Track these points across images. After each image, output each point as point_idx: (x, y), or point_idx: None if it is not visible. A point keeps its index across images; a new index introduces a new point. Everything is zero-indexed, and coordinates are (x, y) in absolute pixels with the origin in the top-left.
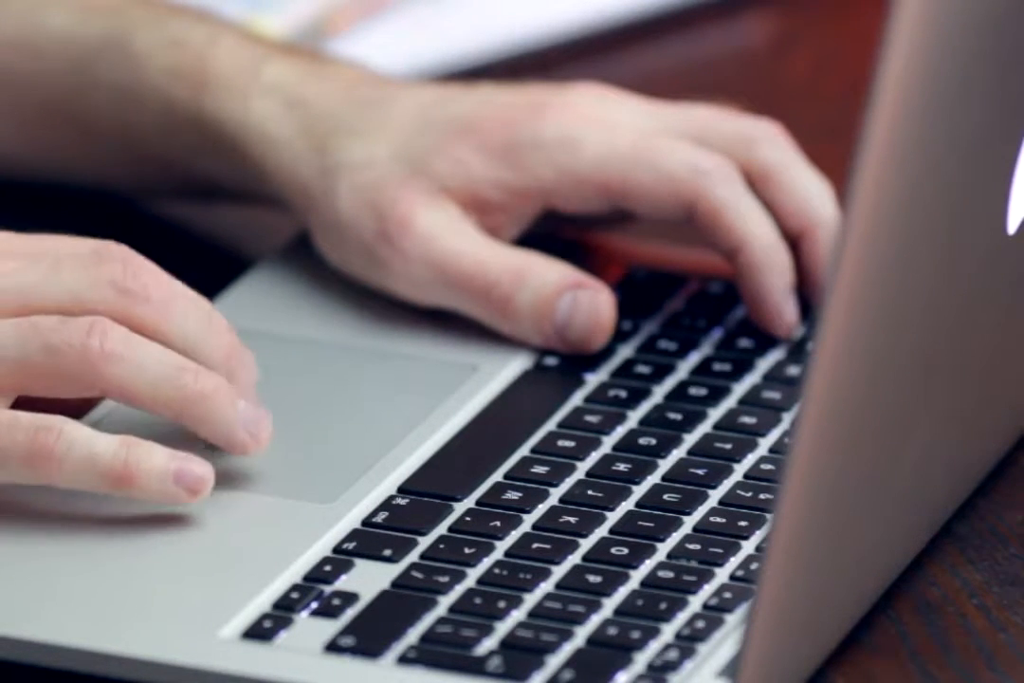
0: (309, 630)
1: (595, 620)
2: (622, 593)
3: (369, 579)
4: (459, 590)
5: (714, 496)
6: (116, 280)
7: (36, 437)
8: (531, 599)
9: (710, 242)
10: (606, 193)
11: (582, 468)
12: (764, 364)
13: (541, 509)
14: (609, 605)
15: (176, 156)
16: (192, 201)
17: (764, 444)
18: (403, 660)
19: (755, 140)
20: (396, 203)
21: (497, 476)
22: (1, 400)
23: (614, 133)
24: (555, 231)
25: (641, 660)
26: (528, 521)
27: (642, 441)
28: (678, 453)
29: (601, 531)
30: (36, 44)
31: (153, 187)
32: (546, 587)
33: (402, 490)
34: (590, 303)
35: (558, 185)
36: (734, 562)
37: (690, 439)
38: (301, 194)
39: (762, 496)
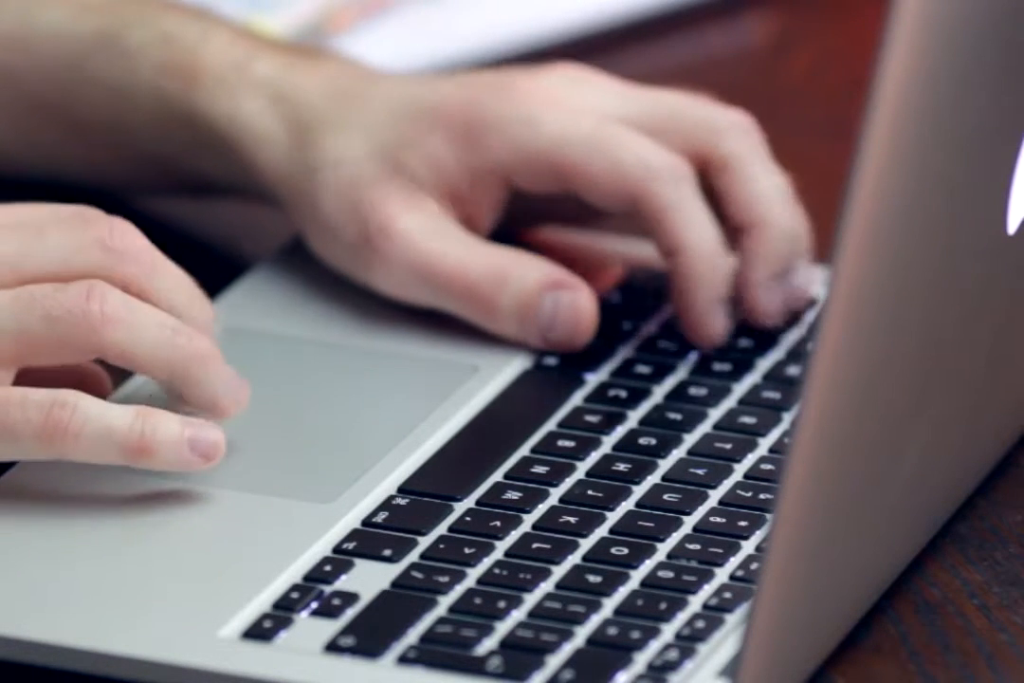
0: (309, 630)
1: (595, 620)
2: (622, 593)
3: (369, 579)
4: (459, 590)
5: (714, 496)
6: (103, 241)
7: (50, 413)
8: (531, 599)
9: (651, 239)
10: (558, 176)
11: (582, 468)
12: (764, 364)
13: (541, 509)
14: (609, 605)
15: (168, 152)
16: (185, 197)
17: (764, 444)
18: (403, 660)
19: (721, 130)
20: (376, 207)
21: (497, 476)
22: (4, 374)
23: (575, 116)
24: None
25: (641, 660)
26: (528, 521)
27: (642, 441)
28: (678, 453)
29: (601, 531)
30: (29, 41)
31: (146, 183)
32: (546, 587)
33: (402, 490)
34: (571, 305)
35: (515, 163)
36: (734, 562)
37: (690, 439)
38: (288, 191)
39: (762, 496)
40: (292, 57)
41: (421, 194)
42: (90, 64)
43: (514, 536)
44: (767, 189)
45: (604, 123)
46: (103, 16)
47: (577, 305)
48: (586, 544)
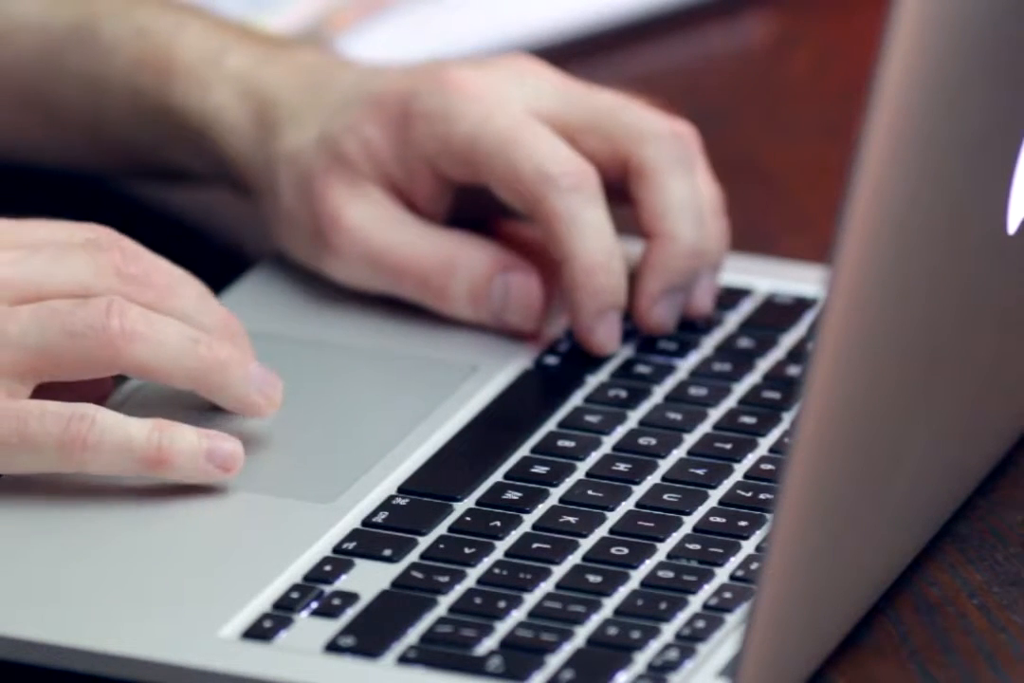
0: (309, 630)
1: (595, 620)
2: (622, 593)
3: (369, 579)
4: (459, 590)
5: (714, 496)
6: (118, 267)
7: (69, 427)
8: (531, 599)
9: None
10: (473, 171)
11: (582, 468)
12: (764, 364)
13: (541, 509)
14: (609, 605)
15: (144, 143)
16: (162, 184)
17: (764, 444)
18: (403, 660)
19: (644, 136)
20: (323, 198)
21: (497, 476)
22: (23, 388)
23: (492, 113)
24: None
25: (641, 660)
26: (528, 521)
27: (642, 441)
28: (678, 453)
29: (601, 531)
30: (6, 32)
31: (123, 171)
32: (546, 587)
33: (402, 490)
34: (521, 286)
35: (437, 156)
36: (734, 562)
37: (690, 439)
38: (255, 183)
39: (762, 496)
40: (265, 49)
41: (366, 183)
42: (65, 57)
43: (514, 536)
44: (678, 201)
45: (519, 123)
46: (78, 8)
47: (527, 286)
48: (586, 544)
